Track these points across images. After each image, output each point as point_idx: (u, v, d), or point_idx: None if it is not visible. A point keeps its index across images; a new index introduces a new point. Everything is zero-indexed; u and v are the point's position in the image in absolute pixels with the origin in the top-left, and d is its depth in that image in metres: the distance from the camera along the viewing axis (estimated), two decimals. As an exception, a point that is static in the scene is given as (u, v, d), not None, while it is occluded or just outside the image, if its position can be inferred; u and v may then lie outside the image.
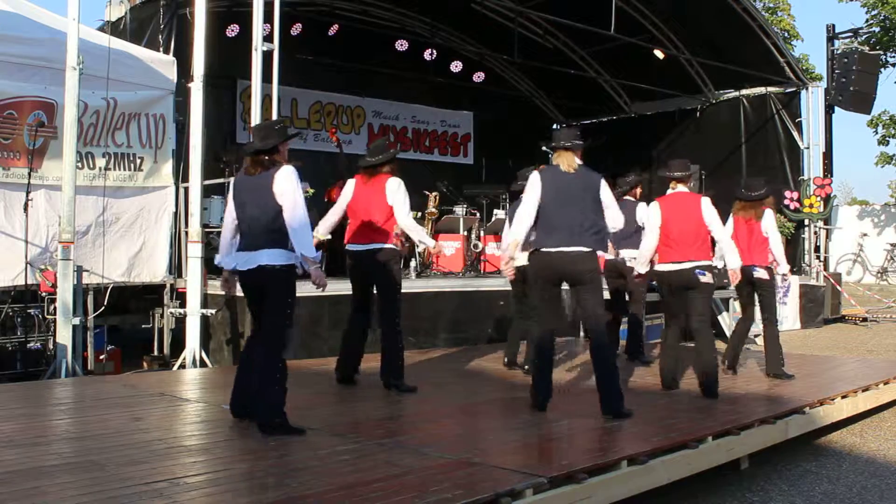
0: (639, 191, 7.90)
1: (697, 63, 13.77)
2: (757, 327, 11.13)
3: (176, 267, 8.60)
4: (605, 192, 5.33)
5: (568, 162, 5.27)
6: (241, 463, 4.08)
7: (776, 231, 6.96)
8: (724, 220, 6.88)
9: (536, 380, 5.36)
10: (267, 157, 4.72)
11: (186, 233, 8.21)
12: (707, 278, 6.04)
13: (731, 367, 7.06)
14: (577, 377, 6.86)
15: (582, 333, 9.79)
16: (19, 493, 3.41)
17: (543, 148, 12.30)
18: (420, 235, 6.36)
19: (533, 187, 5.26)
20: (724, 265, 6.38)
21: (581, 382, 6.60)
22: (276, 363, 4.67)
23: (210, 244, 9.09)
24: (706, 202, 6.16)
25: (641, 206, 7.44)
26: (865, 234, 20.67)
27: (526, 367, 6.78)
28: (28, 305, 7.40)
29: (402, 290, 6.16)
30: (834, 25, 15.74)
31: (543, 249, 5.21)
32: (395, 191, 5.99)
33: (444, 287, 9.30)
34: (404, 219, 6.00)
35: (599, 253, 5.26)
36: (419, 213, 10.94)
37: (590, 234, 5.18)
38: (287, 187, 4.61)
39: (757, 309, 7.10)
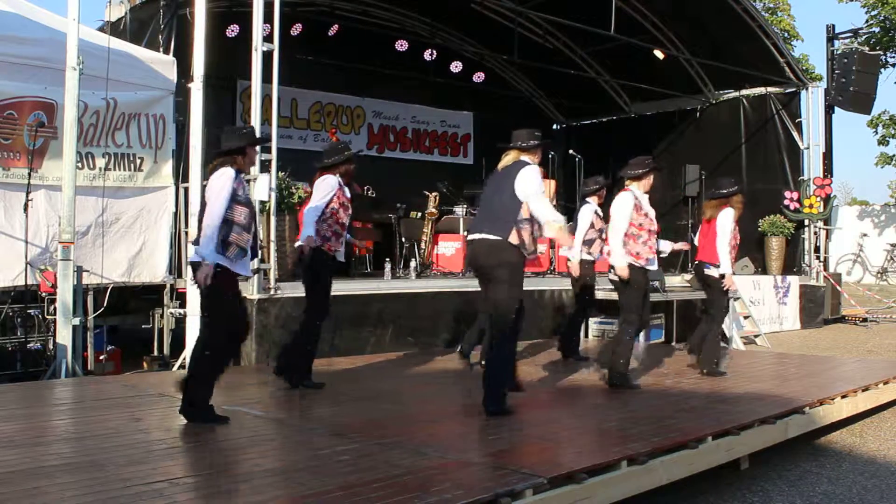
0: (603, 193, 7.98)
1: (697, 63, 13.76)
2: (758, 328, 11.26)
3: (176, 267, 8.59)
4: (521, 183, 5.21)
5: (503, 161, 5.43)
6: (241, 463, 4.08)
7: (724, 229, 6.91)
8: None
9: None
10: (220, 159, 4.88)
11: (186, 233, 8.21)
12: (612, 275, 6.31)
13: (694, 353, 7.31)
14: (576, 377, 6.86)
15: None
16: (19, 493, 3.41)
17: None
18: (306, 231, 6.12)
19: None
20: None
21: (580, 382, 6.60)
22: (204, 359, 4.90)
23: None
24: (617, 200, 6.32)
25: (584, 208, 7.64)
26: (865, 235, 20.67)
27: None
28: (28, 305, 7.40)
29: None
30: (834, 25, 15.77)
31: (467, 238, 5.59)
32: (315, 187, 6.08)
33: (444, 287, 9.29)
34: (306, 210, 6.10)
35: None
36: (419, 214, 10.95)
37: (488, 222, 5.27)
38: (212, 186, 4.76)
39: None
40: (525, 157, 5.37)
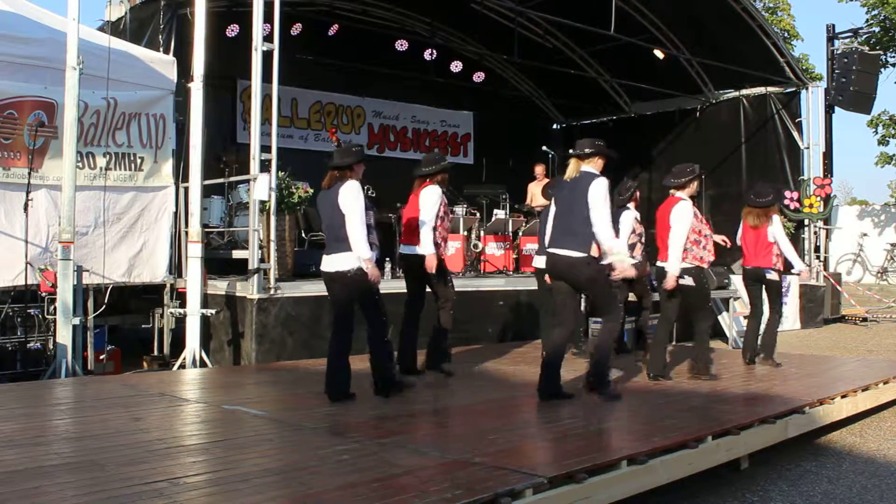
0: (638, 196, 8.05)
1: (697, 63, 13.75)
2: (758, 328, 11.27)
3: (176, 267, 8.60)
4: (592, 195, 5.45)
5: (569, 170, 5.68)
6: (241, 463, 4.08)
7: (784, 235, 7.55)
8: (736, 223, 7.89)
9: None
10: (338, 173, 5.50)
11: (186, 233, 8.21)
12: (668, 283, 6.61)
13: (752, 361, 7.72)
14: (575, 378, 6.85)
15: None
16: (19, 493, 3.41)
17: (543, 148, 12.46)
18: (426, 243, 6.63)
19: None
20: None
21: (579, 382, 6.59)
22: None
23: (210, 244, 9.10)
24: (676, 210, 6.57)
25: (625, 214, 7.63)
26: (865, 234, 20.66)
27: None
28: (28, 305, 7.40)
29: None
30: (834, 25, 15.75)
31: (547, 250, 5.75)
32: (422, 197, 6.53)
33: (444, 287, 9.26)
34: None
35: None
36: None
37: (568, 237, 5.52)
38: (351, 200, 5.42)
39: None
40: (587, 167, 5.59)
